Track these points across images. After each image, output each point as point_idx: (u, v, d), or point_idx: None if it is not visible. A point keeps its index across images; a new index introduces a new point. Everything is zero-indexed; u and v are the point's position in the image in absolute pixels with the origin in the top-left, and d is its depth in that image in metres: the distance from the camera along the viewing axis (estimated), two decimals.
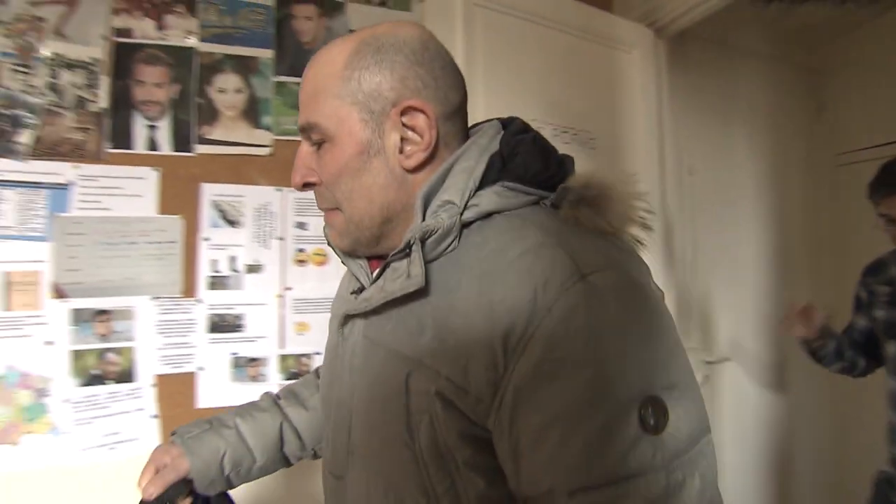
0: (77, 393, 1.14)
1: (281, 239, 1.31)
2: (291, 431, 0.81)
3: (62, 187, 1.15)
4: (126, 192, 1.20)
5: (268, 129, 1.32)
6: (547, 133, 1.57)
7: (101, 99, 1.19)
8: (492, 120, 0.61)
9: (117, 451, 1.16)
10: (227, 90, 1.29)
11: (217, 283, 1.26)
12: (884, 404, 1.34)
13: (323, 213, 0.62)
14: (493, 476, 0.49)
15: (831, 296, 1.93)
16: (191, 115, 1.26)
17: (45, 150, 1.14)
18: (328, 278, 1.33)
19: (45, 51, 1.15)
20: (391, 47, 0.54)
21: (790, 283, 2.15)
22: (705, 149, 1.96)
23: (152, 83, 1.24)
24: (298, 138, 0.60)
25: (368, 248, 0.60)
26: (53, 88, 1.16)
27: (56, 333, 1.13)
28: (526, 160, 0.54)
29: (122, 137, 1.21)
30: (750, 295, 2.08)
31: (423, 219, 0.53)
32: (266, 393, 0.87)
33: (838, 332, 1.49)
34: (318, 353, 1.32)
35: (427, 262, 0.52)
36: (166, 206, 1.22)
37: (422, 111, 0.54)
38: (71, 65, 1.17)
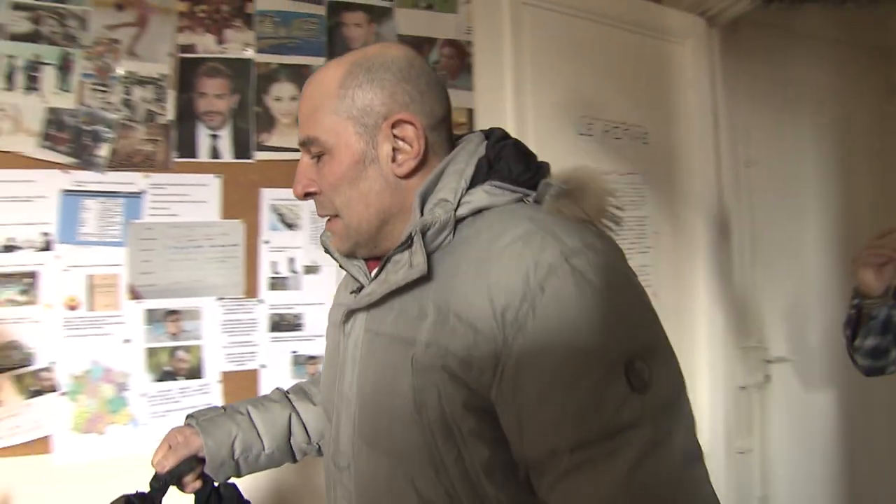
0: (152, 388, 1.22)
1: None
2: (299, 424, 0.85)
3: (135, 196, 1.24)
4: (192, 198, 1.27)
5: None
6: (598, 129, 1.57)
7: (169, 112, 1.27)
8: (475, 131, 0.68)
9: None
10: (282, 98, 1.35)
11: (277, 283, 1.32)
12: None
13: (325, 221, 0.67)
14: (496, 445, 0.53)
15: None
16: (249, 124, 1.32)
17: (121, 161, 1.23)
18: None
19: (120, 70, 1.24)
20: (381, 67, 0.61)
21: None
22: (764, 139, 1.88)
23: (214, 94, 1.31)
24: None
25: (367, 250, 0.65)
26: (127, 104, 1.24)
27: (133, 332, 1.22)
28: (510, 162, 0.60)
29: (187, 147, 1.28)
30: (814, 293, 1.98)
31: (422, 215, 0.58)
32: (276, 388, 0.91)
33: None
34: None
35: (427, 254, 0.57)
36: (228, 211, 1.29)
37: (410, 123, 0.60)
38: (142, 81, 1.25)
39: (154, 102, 1.26)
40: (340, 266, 0.70)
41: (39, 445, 1.14)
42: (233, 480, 0.82)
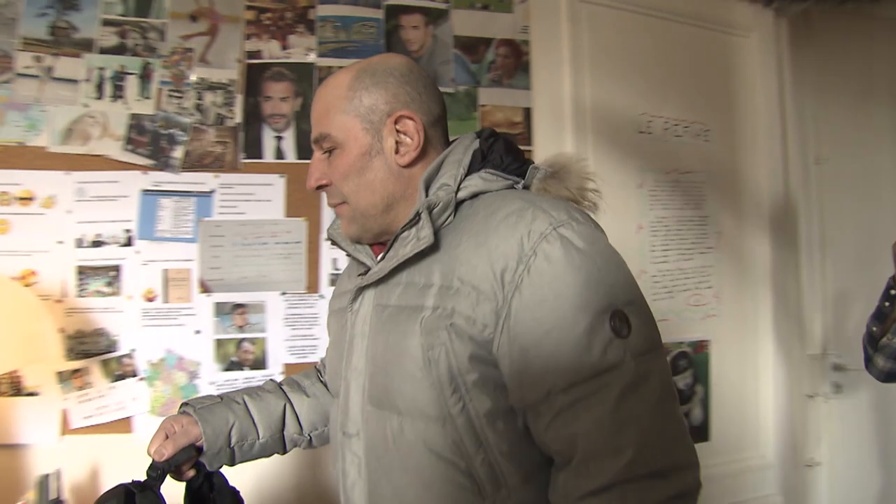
0: (220, 377, 1.29)
1: None
2: (293, 415, 0.88)
3: (206, 195, 1.31)
4: (258, 197, 1.34)
5: None
6: (657, 127, 1.53)
7: (237, 115, 1.34)
8: (467, 133, 0.76)
9: None
10: None
11: (337, 279, 1.36)
12: None
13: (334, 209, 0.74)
14: (497, 395, 0.61)
15: None
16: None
17: (193, 162, 1.31)
18: None
19: (193, 76, 1.32)
20: (384, 72, 0.69)
21: None
22: (836, 135, 1.78)
23: (278, 98, 1.37)
24: None
25: (372, 235, 0.72)
26: (199, 108, 1.32)
27: (203, 323, 1.29)
28: (501, 154, 0.69)
29: (253, 148, 1.35)
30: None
31: (427, 196, 0.66)
32: (270, 379, 0.94)
33: None
34: None
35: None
36: (292, 210, 1.35)
37: (411, 118, 0.68)
38: (212, 86, 1.33)
39: (223, 106, 1.33)
40: (348, 254, 0.78)
41: (122, 425, 1.23)
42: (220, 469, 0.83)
